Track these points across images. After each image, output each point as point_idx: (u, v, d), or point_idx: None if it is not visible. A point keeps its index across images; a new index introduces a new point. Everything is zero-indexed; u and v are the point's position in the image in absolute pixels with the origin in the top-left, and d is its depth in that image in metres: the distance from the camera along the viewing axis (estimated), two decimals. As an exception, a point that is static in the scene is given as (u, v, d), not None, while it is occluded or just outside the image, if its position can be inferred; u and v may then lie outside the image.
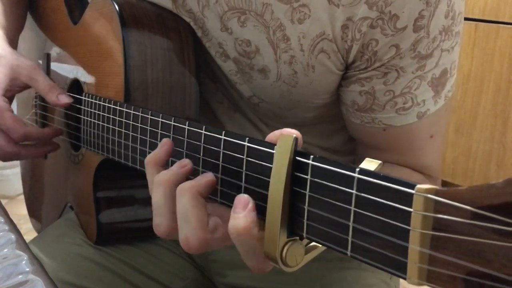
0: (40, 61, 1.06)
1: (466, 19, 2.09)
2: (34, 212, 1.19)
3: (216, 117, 0.87)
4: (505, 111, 2.07)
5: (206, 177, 0.50)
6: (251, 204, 0.46)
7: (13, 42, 0.98)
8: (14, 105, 0.96)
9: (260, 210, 0.46)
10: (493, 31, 2.08)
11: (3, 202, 0.87)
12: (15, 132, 0.85)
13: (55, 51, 1.00)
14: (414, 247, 0.33)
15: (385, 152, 0.77)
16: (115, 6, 0.76)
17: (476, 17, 2.11)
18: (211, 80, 0.84)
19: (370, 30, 0.67)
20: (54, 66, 1.00)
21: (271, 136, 0.48)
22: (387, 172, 0.74)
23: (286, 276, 0.86)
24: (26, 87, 0.89)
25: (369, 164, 0.43)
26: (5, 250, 0.63)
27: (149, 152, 0.63)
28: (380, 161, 0.43)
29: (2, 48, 0.90)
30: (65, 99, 0.84)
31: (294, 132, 0.47)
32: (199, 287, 0.93)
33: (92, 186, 0.82)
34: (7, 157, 0.90)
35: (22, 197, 1.25)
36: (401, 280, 0.99)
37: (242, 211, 0.45)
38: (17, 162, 1.20)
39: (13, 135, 0.85)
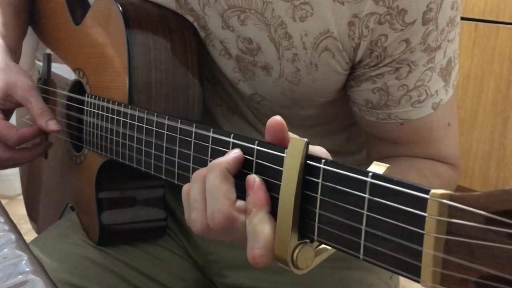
0: (38, 62, 1.06)
1: (466, 19, 2.09)
2: (33, 213, 1.19)
3: (214, 119, 0.88)
4: (505, 111, 2.08)
5: (234, 153, 0.50)
6: (257, 180, 0.47)
7: (15, 52, 0.98)
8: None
9: (271, 213, 0.46)
10: (493, 31, 2.09)
11: (3, 202, 0.87)
12: (10, 138, 0.85)
13: (56, 52, 1.00)
14: (428, 251, 0.33)
15: (404, 145, 0.78)
16: (118, 7, 0.76)
17: (476, 17, 2.12)
18: (209, 83, 0.84)
19: (378, 26, 0.67)
20: (55, 66, 1.00)
21: (269, 127, 0.48)
22: (410, 166, 0.74)
23: (286, 276, 0.87)
24: (20, 105, 0.90)
25: (378, 167, 0.43)
26: (5, 250, 0.63)
27: (155, 154, 0.64)
28: (388, 165, 0.44)
29: (3, 62, 0.90)
30: (54, 126, 0.85)
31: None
32: (200, 287, 0.93)
33: (94, 187, 0.82)
34: (3, 165, 0.90)
35: (22, 197, 1.25)
36: (401, 280, 1.00)
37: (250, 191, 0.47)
38: (17, 162, 1.20)
39: (8, 141, 0.85)
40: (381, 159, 0.79)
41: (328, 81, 0.74)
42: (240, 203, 0.48)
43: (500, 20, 2.07)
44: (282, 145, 0.47)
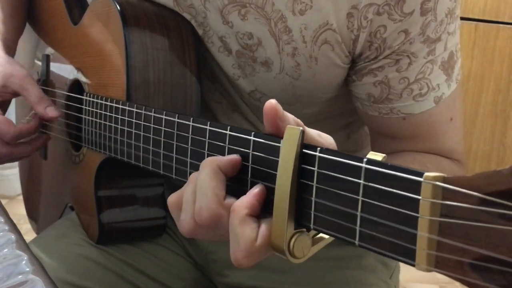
0: (37, 62, 1.06)
1: (466, 19, 2.10)
2: (33, 213, 1.19)
3: (214, 117, 0.88)
4: (505, 111, 2.08)
5: (230, 156, 0.50)
6: (256, 190, 0.47)
7: (11, 48, 0.98)
8: (12, 106, 0.97)
9: (267, 203, 0.46)
10: (493, 31, 2.09)
11: (3, 202, 0.87)
12: (6, 133, 0.85)
13: (54, 52, 1.00)
14: (423, 234, 0.34)
15: (408, 140, 0.78)
16: (116, 6, 0.76)
17: (476, 17, 2.12)
18: (209, 80, 0.84)
19: (377, 17, 0.67)
20: (54, 66, 1.00)
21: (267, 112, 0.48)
22: (412, 160, 0.74)
23: (286, 276, 0.87)
24: (17, 94, 0.90)
25: (374, 157, 0.43)
26: (5, 250, 0.63)
27: (153, 150, 0.64)
28: (384, 154, 0.44)
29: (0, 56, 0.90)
30: (53, 112, 0.85)
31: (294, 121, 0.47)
32: (199, 287, 0.93)
33: (94, 185, 0.83)
34: (1, 160, 0.90)
35: (22, 197, 1.25)
36: (401, 280, 1.00)
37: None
38: (17, 162, 1.20)
39: (5, 136, 0.86)
40: None
41: (328, 75, 0.74)
42: (228, 200, 0.48)
43: (500, 20, 2.08)
44: (278, 129, 0.47)
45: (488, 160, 2.15)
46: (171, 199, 0.53)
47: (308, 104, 0.80)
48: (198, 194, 0.48)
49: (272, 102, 0.46)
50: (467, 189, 0.31)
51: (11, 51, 0.98)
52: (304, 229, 0.44)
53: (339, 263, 0.88)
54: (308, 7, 0.69)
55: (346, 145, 0.92)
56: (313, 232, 0.45)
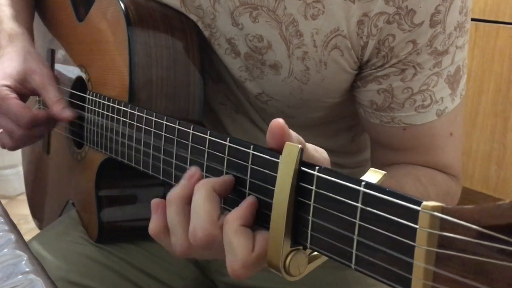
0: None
1: (466, 19, 2.08)
2: (36, 211, 1.19)
3: (218, 118, 0.88)
4: (505, 111, 2.07)
5: (224, 177, 0.50)
6: (248, 201, 0.47)
7: (32, 38, 0.98)
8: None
9: (264, 219, 0.46)
10: (493, 31, 2.08)
11: (3, 202, 0.87)
12: (23, 118, 0.84)
13: (59, 48, 1.00)
14: (419, 263, 0.33)
15: (406, 152, 0.78)
16: (121, 5, 0.76)
17: (476, 17, 2.10)
18: (213, 82, 0.84)
19: (387, 26, 0.68)
20: (58, 63, 1.00)
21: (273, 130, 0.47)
22: (406, 173, 0.73)
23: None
24: (35, 93, 0.89)
25: (374, 174, 0.43)
26: (5, 250, 0.63)
27: (153, 154, 0.64)
28: (384, 172, 0.43)
29: (25, 49, 0.90)
30: (68, 113, 0.85)
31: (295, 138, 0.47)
32: (200, 285, 0.93)
33: (94, 184, 0.83)
34: (20, 143, 0.89)
35: (22, 197, 1.25)
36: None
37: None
38: (17, 162, 1.21)
39: (21, 121, 0.85)
40: (382, 166, 0.79)
41: (337, 80, 0.74)
42: (222, 219, 0.48)
43: (500, 20, 2.06)
44: (281, 147, 0.46)
45: (488, 160, 2.13)
46: (152, 230, 0.53)
47: (314, 109, 0.80)
48: (193, 215, 0.48)
49: (280, 121, 0.46)
50: (466, 221, 0.31)
51: (32, 40, 0.97)
52: (301, 247, 0.44)
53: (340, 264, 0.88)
54: (321, 12, 0.69)
55: (350, 147, 0.92)
56: (309, 250, 0.45)
